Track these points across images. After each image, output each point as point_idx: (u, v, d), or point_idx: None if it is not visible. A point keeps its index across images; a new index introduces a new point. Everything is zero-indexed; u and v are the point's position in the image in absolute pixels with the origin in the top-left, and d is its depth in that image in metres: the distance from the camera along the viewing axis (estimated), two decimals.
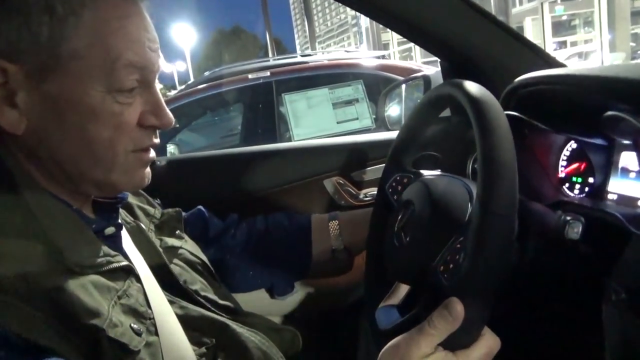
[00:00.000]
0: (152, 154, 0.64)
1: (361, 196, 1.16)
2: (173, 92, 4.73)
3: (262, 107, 3.36)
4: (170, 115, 0.62)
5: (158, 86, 0.63)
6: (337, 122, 2.66)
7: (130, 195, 0.78)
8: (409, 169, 0.81)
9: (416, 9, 0.99)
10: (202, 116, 4.08)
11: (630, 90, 0.66)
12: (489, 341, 0.55)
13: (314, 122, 2.63)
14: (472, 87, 0.62)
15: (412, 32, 1.04)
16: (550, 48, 17.26)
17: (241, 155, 1.21)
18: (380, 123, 1.57)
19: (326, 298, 1.12)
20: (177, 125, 3.70)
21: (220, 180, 1.20)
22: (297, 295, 1.09)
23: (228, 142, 4.11)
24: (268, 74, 3.32)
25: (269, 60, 4.26)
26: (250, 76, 3.33)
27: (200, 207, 0.99)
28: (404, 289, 0.76)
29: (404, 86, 1.57)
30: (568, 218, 0.65)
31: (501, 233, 0.51)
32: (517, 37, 1.03)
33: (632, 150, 0.75)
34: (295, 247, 0.96)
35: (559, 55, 17.12)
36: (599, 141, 0.82)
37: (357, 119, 2.67)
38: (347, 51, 4.92)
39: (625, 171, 0.79)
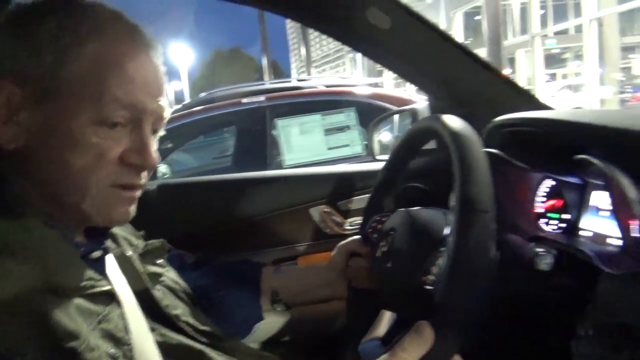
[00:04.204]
0: (135, 193, 0.64)
1: (347, 225, 1.19)
2: None
3: (255, 131, 3.40)
4: (155, 157, 0.63)
5: None
6: (329, 148, 2.70)
7: None
8: (388, 210, 0.85)
9: (405, 46, 1.03)
10: (196, 137, 4.11)
11: (599, 137, 0.70)
12: None
13: (305, 148, 2.67)
14: (453, 121, 0.65)
15: (400, 68, 1.08)
16: (542, 80, 17.57)
17: (230, 182, 1.24)
18: (369, 153, 1.60)
19: (309, 324, 1.13)
20: (170, 145, 3.73)
21: (208, 206, 1.21)
22: (281, 320, 1.10)
23: (220, 164, 4.13)
24: (262, 98, 3.36)
25: (264, 84, 4.32)
26: (244, 100, 3.38)
27: (175, 252, 0.99)
28: (387, 321, 0.78)
29: (396, 116, 1.61)
30: (539, 250, 0.68)
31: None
32: (502, 77, 1.08)
33: (603, 190, 0.78)
34: (245, 297, 0.96)
35: (551, 87, 17.45)
36: (573, 180, 0.85)
37: (348, 145, 2.71)
38: (342, 77, 5.00)
39: (597, 209, 0.82)
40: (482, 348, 0.81)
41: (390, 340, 0.71)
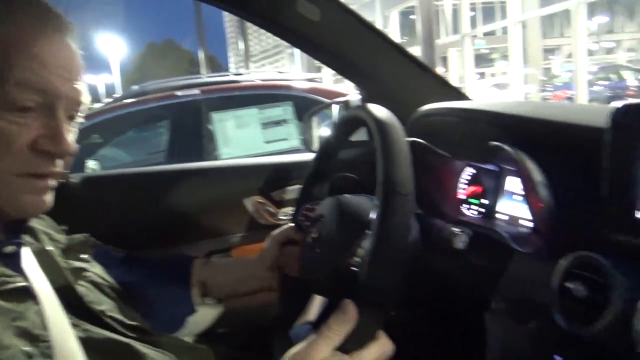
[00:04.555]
0: (49, 182, 0.61)
1: (281, 215, 1.19)
2: (98, 106, 4.55)
3: (190, 125, 3.31)
4: (70, 143, 0.60)
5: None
6: (266, 142, 2.69)
7: (34, 219, 0.75)
8: (320, 198, 0.86)
9: (334, 38, 1.06)
10: (127, 132, 3.96)
11: (510, 125, 0.75)
12: (382, 344, 0.58)
13: (242, 142, 2.65)
14: (377, 109, 0.67)
15: (331, 60, 1.10)
16: (473, 78, 18.41)
17: (160, 174, 1.21)
18: (304, 145, 1.62)
19: (244, 315, 1.13)
20: (100, 140, 3.57)
21: (138, 199, 1.18)
22: (214, 312, 1.09)
23: (154, 160, 4.00)
24: (197, 91, 3.29)
25: (201, 77, 4.23)
26: (178, 93, 3.28)
27: (102, 248, 0.95)
28: (318, 306, 0.80)
29: (335, 109, 1.63)
30: (456, 230, 0.72)
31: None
32: (429, 72, 1.13)
33: (516, 176, 0.84)
34: (175, 291, 0.94)
35: (481, 85, 18.35)
36: (490, 167, 0.91)
37: (285, 139, 2.72)
38: (280, 72, 4.99)
39: (511, 194, 0.89)
40: (405, 323, 0.85)
41: (320, 324, 0.73)
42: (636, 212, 0.55)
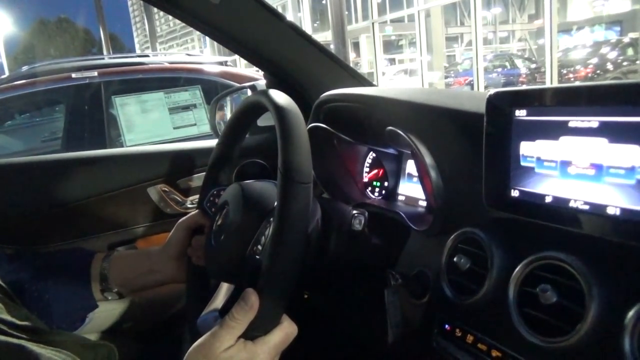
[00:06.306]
0: None
1: (187, 204, 1.16)
2: None
3: (88, 110, 3.09)
4: None
5: None
6: (174, 128, 2.58)
7: None
8: (226, 183, 0.85)
9: (235, 22, 1.03)
10: (17, 117, 3.61)
11: (405, 111, 0.79)
12: (286, 328, 0.60)
13: (148, 127, 2.52)
14: (277, 95, 0.67)
15: (233, 44, 1.08)
16: (382, 64, 18.96)
17: (57, 162, 1.12)
18: (212, 130, 1.58)
19: (151, 308, 1.10)
20: None
21: (31, 191, 1.09)
22: (120, 307, 1.05)
23: (49, 148, 3.69)
24: (95, 73, 3.07)
25: (103, 58, 3.95)
26: (74, 75, 3.04)
27: None
28: (225, 293, 0.79)
29: (249, 93, 1.60)
30: (354, 212, 0.75)
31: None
32: (332, 57, 1.15)
33: (413, 159, 0.89)
34: (74, 286, 0.90)
35: (389, 70, 18.99)
36: (391, 151, 0.96)
37: (195, 124, 2.63)
38: (189, 54, 4.80)
39: (411, 176, 0.94)
40: (313, 305, 0.88)
41: (226, 311, 0.73)
42: (510, 191, 0.61)
